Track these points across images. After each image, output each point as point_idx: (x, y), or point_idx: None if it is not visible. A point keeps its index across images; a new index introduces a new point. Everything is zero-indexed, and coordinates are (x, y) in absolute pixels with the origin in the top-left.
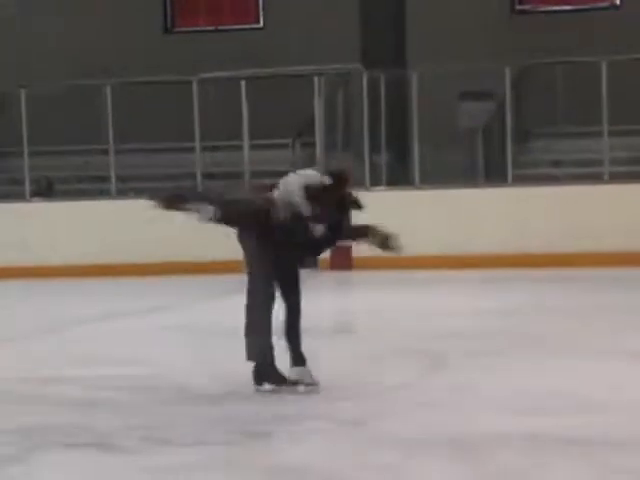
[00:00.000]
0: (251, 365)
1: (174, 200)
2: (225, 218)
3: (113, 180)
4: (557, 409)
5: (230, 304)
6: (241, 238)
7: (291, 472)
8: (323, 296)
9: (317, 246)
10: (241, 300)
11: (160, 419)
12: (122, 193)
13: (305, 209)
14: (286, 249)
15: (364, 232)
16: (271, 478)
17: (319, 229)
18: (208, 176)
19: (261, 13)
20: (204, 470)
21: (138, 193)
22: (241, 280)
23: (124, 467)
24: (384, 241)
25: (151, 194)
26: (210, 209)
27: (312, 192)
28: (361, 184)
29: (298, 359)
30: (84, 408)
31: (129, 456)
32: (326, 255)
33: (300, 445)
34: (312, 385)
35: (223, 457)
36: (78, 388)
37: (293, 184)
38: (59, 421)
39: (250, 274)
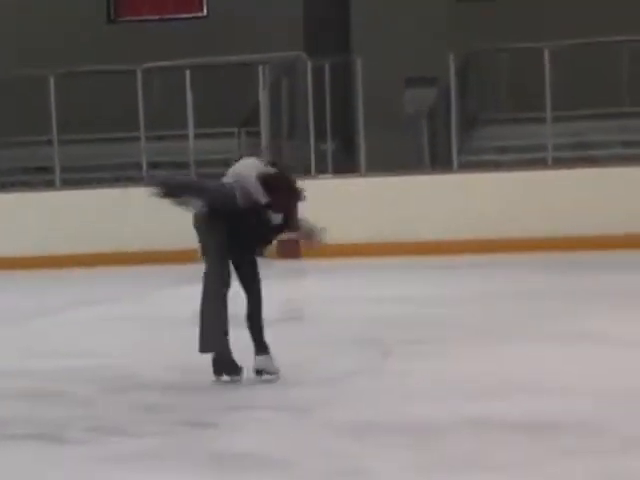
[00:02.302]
0: (207, 355)
1: (174, 189)
2: (210, 206)
3: (57, 171)
4: (506, 394)
5: (183, 293)
6: (203, 225)
7: (241, 459)
8: (272, 285)
9: (268, 234)
10: (195, 289)
11: (110, 409)
12: (67, 184)
13: (261, 197)
14: (243, 237)
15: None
16: (220, 466)
17: (276, 217)
18: (153, 165)
19: (205, 2)
20: (152, 459)
21: (130, 182)
22: (194, 269)
23: (69, 457)
24: (310, 233)
25: (151, 180)
26: (199, 202)
27: (267, 180)
28: (307, 172)
29: (261, 347)
30: (29, 400)
31: (77, 447)
32: (274, 244)
33: (250, 433)
34: (275, 374)
35: (172, 447)
36: (27, 380)
37: (246, 172)
38: (6, 413)
39: (207, 261)
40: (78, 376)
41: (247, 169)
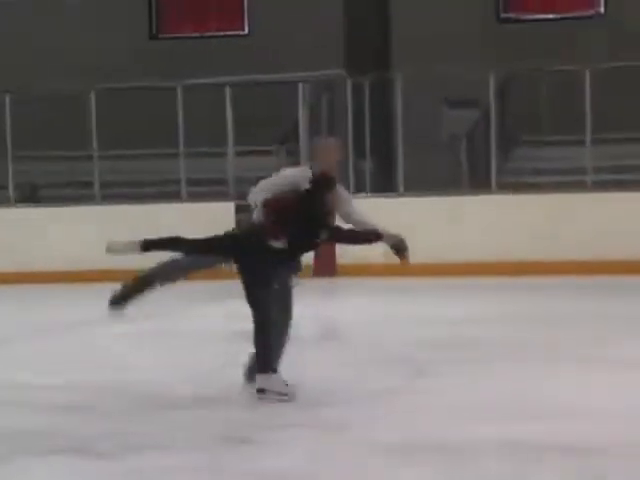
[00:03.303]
0: (240, 372)
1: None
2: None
3: (97, 186)
4: (539, 416)
5: (215, 310)
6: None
7: (274, 477)
8: (307, 303)
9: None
10: (225, 306)
11: (142, 425)
12: (106, 199)
13: (257, 215)
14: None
15: (377, 235)
16: None
17: (276, 244)
18: (192, 182)
19: (246, 20)
20: (185, 475)
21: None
22: (220, 287)
23: (102, 472)
24: (400, 245)
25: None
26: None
27: (270, 202)
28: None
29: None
30: (63, 414)
31: (107, 461)
32: (309, 262)
33: (284, 451)
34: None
35: (204, 462)
36: (56, 394)
37: (261, 187)
38: (37, 426)
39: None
40: (110, 391)
41: (264, 184)
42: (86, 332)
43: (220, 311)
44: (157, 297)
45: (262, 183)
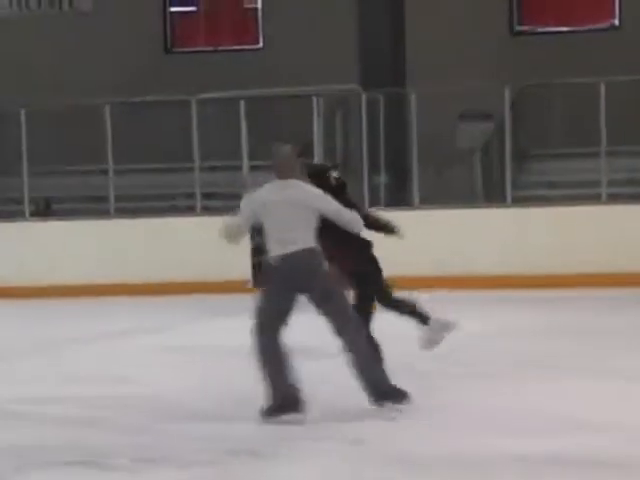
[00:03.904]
0: (253, 384)
1: None
2: None
3: (112, 200)
4: (553, 430)
5: (230, 324)
6: None
7: None
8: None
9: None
10: (239, 320)
11: (157, 438)
12: (121, 212)
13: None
14: None
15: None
16: None
17: None
18: (207, 196)
19: (260, 34)
20: None
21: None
22: (240, 300)
23: None
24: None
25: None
26: None
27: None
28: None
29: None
30: (78, 427)
31: (124, 475)
32: None
33: (295, 465)
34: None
35: (221, 477)
36: (73, 407)
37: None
38: (52, 440)
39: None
40: (125, 404)
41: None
42: (100, 346)
43: (232, 325)
44: (169, 311)
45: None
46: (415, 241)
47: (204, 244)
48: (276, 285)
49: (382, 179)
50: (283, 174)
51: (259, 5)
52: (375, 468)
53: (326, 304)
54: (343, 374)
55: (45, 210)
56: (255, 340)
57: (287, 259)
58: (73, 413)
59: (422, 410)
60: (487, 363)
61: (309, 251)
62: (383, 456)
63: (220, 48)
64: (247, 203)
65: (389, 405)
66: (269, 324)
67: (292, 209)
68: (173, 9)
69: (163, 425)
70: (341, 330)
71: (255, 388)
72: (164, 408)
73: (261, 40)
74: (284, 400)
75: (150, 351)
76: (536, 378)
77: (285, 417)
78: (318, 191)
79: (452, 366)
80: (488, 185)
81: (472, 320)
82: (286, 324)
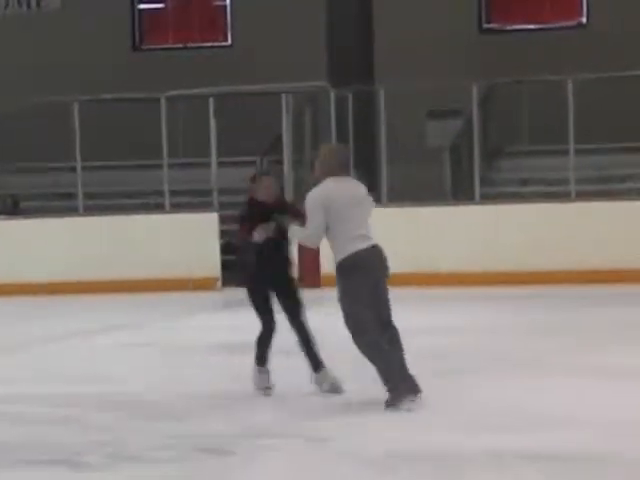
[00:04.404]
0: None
1: None
2: None
3: (80, 197)
4: (524, 426)
5: (200, 321)
6: None
7: None
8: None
9: None
10: (211, 318)
11: (126, 436)
12: (89, 210)
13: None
14: None
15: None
16: None
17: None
18: (175, 193)
19: (229, 31)
20: None
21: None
22: (206, 298)
23: None
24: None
25: None
26: None
27: None
28: None
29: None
30: (47, 425)
31: (93, 473)
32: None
33: (268, 461)
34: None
35: (188, 473)
36: (41, 405)
37: None
38: (23, 438)
39: None
40: (94, 402)
41: None
42: (69, 345)
43: (203, 323)
44: (139, 308)
45: None
46: (383, 238)
47: (173, 241)
48: (363, 278)
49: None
50: (345, 172)
51: (228, 2)
52: (344, 466)
53: (386, 294)
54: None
55: (13, 208)
56: (361, 339)
57: (375, 250)
58: (42, 411)
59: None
60: (455, 361)
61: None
62: (352, 454)
63: (189, 45)
64: (317, 201)
65: None
66: (369, 317)
67: (363, 205)
68: (141, 6)
69: (133, 423)
70: (390, 318)
71: (227, 385)
72: (134, 406)
73: (230, 37)
74: (405, 386)
75: (120, 349)
76: (512, 375)
77: (409, 401)
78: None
79: (422, 364)
80: (457, 183)
81: (440, 317)
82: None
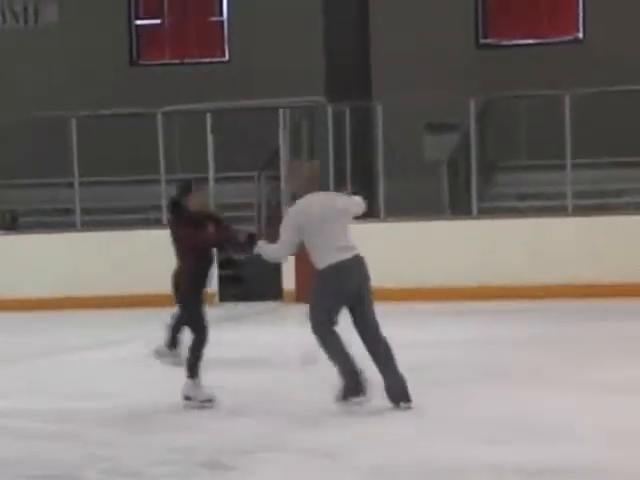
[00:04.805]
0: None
1: None
2: None
3: (78, 212)
4: (521, 439)
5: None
6: None
7: None
8: (289, 328)
9: None
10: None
11: (126, 451)
12: (87, 225)
13: None
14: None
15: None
16: None
17: None
18: None
19: (226, 46)
20: None
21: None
22: (208, 313)
23: None
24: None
25: None
26: None
27: None
28: None
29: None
30: (43, 440)
31: None
32: (291, 287)
33: (270, 476)
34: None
35: None
36: (37, 421)
37: None
38: (22, 454)
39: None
40: (94, 417)
41: None
42: (67, 359)
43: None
44: (136, 323)
45: None
46: (381, 253)
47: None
48: (341, 287)
49: (348, 191)
50: (316, 187)
51: (225, 18)
52: (337, 478)
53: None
54: (314, 384)
55: (11, 223)
56: (321, 331)
57: (356, 259)
58: (39, 427)
59: (394, 419)
60: (454, 374)
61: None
62: (353, 467)
63: (186, 61)
64: (291, 218)
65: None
66: (336, 316)
67: (343, 218)
68: (138, 22)
69: (130, 437)
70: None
71: (225, 400)
72: (133, 421)
73: (227, 53)
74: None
75: (119, 364)
76: (504, 388)
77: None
78: None
79: (420, 376)
80: (455, 197)
81: (438, 331)
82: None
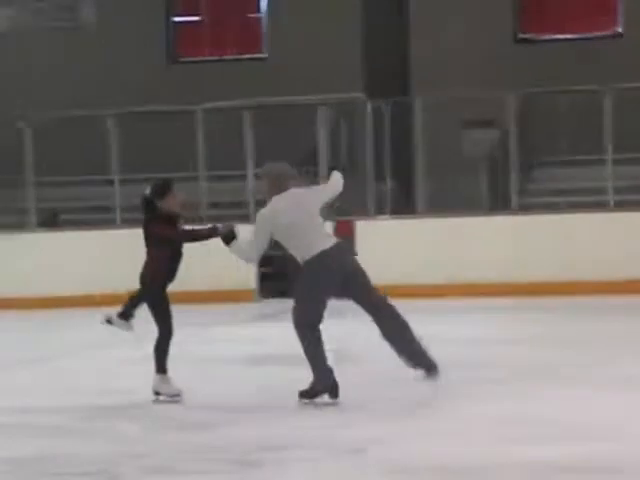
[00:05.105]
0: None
1: None
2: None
3: (118, 210)
4: (556, 438)
5: (233, 332)
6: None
7: None
8: (326, 322)
9: None
10: (239, 330)
11: (157, 448)
12: (126, 223)
13: None
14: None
15: (211, 230)
16: None
17: None
18: (213, 205)
19: (264, 43)
20: None
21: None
22: (245, 310)
23: None
24: (228, 233)
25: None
26: None
27: None
28: (365, 213)
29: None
30: (77, 438)
31: None
32: None
33: (300, 473)
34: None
35: None
36: (71, 418)
37: None
38: (49, 451)
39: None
40: (125, 414)
41: None
42: (99, 356)
43: (239, 334)
44: (179, 320)
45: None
46: (419, 249)
47: (205, 254)
48: (327, 277)
49: (388, 187)
50: (286, 184)
51: (263, 14)
52: (370, 476)
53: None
54: (347, 380)
55: (52, 221)
56: (305, 332)
57: (338, 245)
58: (71, 424)
59: (424, 418)
60: (491, 372)
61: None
62: (383, 464)
63: (224, 57)
64: (262, 221)
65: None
66: (320, 314)
67: (312, 212)
68: (177, 19)
69: (163, 434)
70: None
71: (254, 397)
72: (163, 417)
73: (265, 49)
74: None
75: (146, 360)
76: (540, 386)
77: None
78: None
79: (457, 374)
80: (493, 193)
81: (475, 327)
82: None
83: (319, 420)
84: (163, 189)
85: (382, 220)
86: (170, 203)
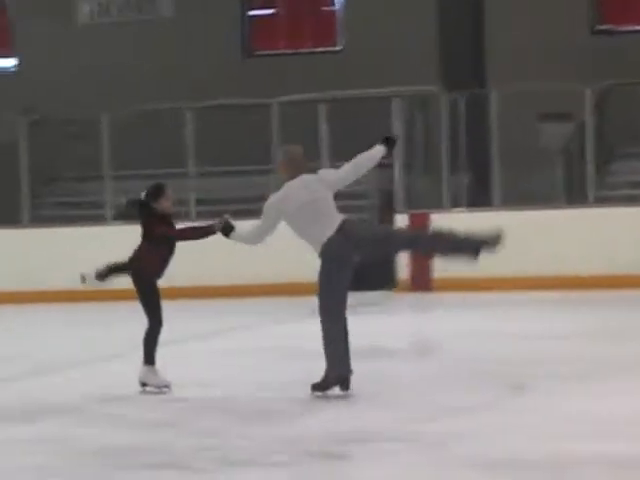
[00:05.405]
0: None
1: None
2: None
3: (193, 203)
4: (635, 433)
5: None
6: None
7: None
8: (402, 317)
9: None
10: (300, 324)
11: (236, 440)
12: (202, 216)
13: None
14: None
15: (208, 229)
16: None
17: None
18: None
19: (340, 36)
20: None
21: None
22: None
23: None
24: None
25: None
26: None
27: None
28: (441, 205)
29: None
30: (156, 429)
31: (205, 476)
32: (406, 276)
33: (381, 465)
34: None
35: (301, 478)
36: (154, 410)
37: None
38: (132, 442)
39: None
40: (200, 407)
41: None
42: (174, 350)
43: (297, 328)
44: (238, 313)
45: None
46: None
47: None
48: (342, 263)
49: (463, 179)
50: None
51: (338, 7)
52: (453, 470)
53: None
54: (421, 376)
55: (127, 214)
56: (329, 326)
57: (345, 225)
58: (150, 416)
59: (502, 413)
60: (569, 366)
61: None
62: (466, 459)
63: (299, 51)
64: (271, 206)
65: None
66: (344, 305)
67: (319, 197)
68: (252, 13)
69: (239, 427)
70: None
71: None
72: (239, 410)
73: (340, 42)
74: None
75: (223, 353)
76: (623, 382)
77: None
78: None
79: (533, 369)
80: (570, 185)
81: (554, 322)
82: None
83: (398, 413)
84: (157, 192)
85: (457, 213)
86: (164, 205)
